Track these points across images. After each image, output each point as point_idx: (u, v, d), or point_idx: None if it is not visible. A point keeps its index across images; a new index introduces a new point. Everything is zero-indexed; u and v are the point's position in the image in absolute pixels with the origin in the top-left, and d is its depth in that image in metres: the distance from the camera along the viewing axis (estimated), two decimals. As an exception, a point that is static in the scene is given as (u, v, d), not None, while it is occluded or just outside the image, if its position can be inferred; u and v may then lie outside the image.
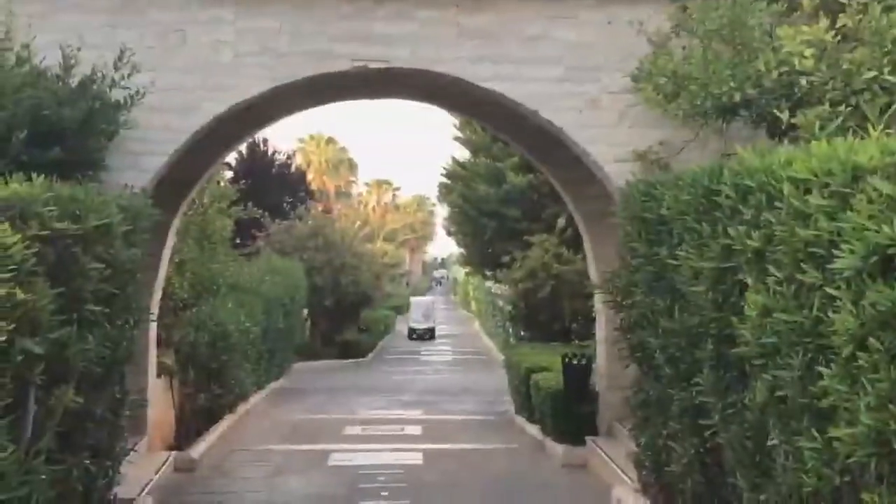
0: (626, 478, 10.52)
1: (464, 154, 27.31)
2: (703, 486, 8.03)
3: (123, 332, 8.30)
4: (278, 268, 26.10)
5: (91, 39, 9.48)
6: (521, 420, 16.90)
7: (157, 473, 11.42)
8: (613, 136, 10.06)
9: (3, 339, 5.79)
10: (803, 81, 7.21)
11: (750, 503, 6.81)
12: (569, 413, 13.07)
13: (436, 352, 40.99)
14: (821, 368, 5.30)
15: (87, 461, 7.91)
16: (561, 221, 20.42)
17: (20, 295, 6.01)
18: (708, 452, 7.87)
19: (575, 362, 13.26)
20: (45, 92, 8.29)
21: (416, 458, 13.68)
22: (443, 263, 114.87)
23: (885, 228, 4.64)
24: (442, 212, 52.30)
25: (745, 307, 6.46)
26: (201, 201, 19.09)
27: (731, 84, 7.65)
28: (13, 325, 5.96)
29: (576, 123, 10.07)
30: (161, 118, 9.75)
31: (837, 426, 5.18)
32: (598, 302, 13.12)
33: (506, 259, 22.35)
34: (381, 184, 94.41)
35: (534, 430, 15.29)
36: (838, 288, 5.10)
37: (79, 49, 9.08)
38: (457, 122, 26.21)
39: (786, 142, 7.71)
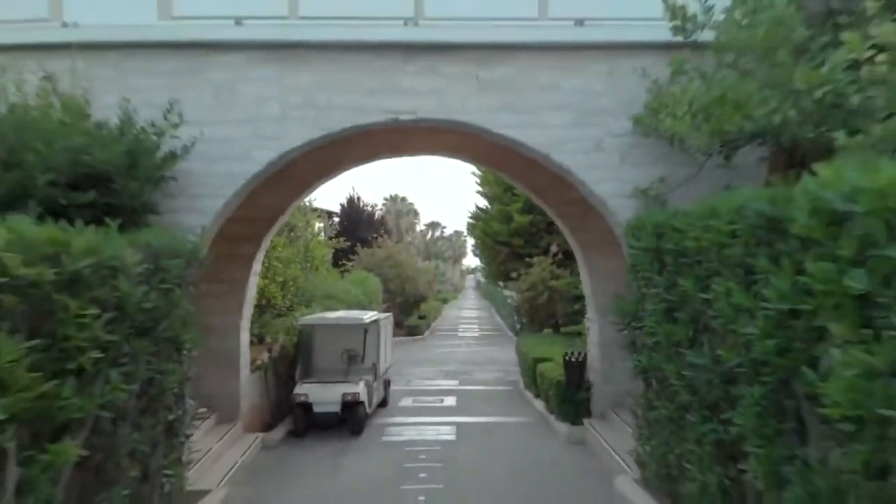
0: (619, 459, 7.81)
1: (482, 202, 24.42)
2: (724, 513, 4.76)
3: (161, 365, 5.19)
4: (360, 280, 23.45)
5: (156, 98, 6.45)
6: (529, 395, 13.59)
7: (242, 456, 8.66)
8: (616, 174, 6.77)
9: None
10: (854, 99, 3.88)
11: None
12: (569, 399, 10.10)
13: (468, 329, 37.48)
14: None
15: (125, 492, 4.88)
16: (553, 248, 17.80)
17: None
18: (734, 485, 4.66)
19: (573, 360, 10.14)
20: (86, 137, 5.20)
21: (450, 435, 10.47)
22: (473, 271, 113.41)
23: None
24: (470, 240, 50.00)
25: (823, 360, 3.25)
26: (306, 238, 18.51)
27: (772, 105, 4.35)
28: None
29: (583, 164, 6.82)
30: (217, 166, 6.68)
31: None
32: (591, 311, 10.06)
33: (514, 275, 19.98)
34: (435, 224, 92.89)
35: (539, 405, 12.15)
36: None
37: (130, 104, 6.10)
38: (478, 178, 23.34)
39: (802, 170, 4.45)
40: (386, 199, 71.90)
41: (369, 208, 40.30)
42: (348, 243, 26.10)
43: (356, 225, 36.41)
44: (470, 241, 56.12)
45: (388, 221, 48.99)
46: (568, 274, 16.46)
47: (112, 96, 6.33)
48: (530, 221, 18.71)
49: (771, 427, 3.87)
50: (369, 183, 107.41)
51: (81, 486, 4.47)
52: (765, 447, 3.93)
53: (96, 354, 4.08)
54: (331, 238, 23.82)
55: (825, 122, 4.15)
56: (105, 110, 6.19)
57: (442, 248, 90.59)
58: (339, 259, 26.73)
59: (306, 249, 18.34)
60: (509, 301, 30.86)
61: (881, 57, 3.61)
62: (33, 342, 3.57)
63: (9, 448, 3.56)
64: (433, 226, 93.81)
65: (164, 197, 6.25)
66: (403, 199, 77.40)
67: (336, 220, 35.65)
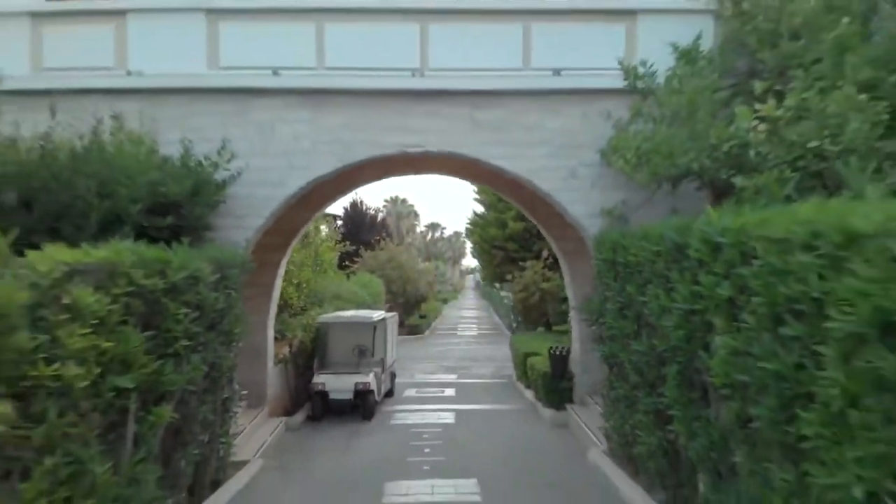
0: (592, 436, 9.05)
1: (479, 209, 25.57)
2: (665, 468, 6.12)
3: (218, 354, 6.51)
4: (366, 282, 24.76)
5: (208, 134, 7.80)
6: (520, 386, 14.92)
7: (270, 435, 9.97)
8: (588, 197, 8.13)
9: (87, 382, 4.12)
10: (751, 153, 5.22)
11: (712, 498, 4.95)
12: (554, 388, 11.40)
13: (467, 328, 38.77)
14: (801, 413, 3.44)
15: (196, 452, 6.20)
16: (544, 253, 19.00)
17: (105, 343, 4.28)
18: (669, 444, 5.98)
19: (557, 353, 11.42)
20: (161, 172, 6.54)
21: (450, 419, 11.81)
22: (473, 271, 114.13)
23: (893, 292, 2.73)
24: (468, 243, 50.84)
25: (712, 345, 4.58)
26: (316, 243, 19.31)
27: (690, 155, 5.70)
28: (101, 368, 4.29)
29: (560, 188, 8.19)
30: (258, 190, 8.03)
31: (817, 468, 3.34)
32: (573, 313, 11.39)
33: (508, 277, 21.05)
34: (435, 225, 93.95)
35: (529, 394, 13.46)
36: (825, 344, 3.21)
37: (191, 142, 7.44)
38: (476, 186, 24.61)
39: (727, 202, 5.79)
40: (386, 200, 72.44)
41: (371, 211, 41.33)
42: (354, 247, 27.18)
43: (359, 228, 37.31)
44: (469, 243, 57.25)
45: (389, 223, 50.12)
46: (558, 277, 17.52)
47: (173, 133, 7.68)
48: (524, 228, 19.95)
49: (685, 396, 5.21)
50: (370, 185, 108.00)
51: (165, 445, 5.81)
52: (682, 411, 5.26)
53: (185, 342, 5.43)
54: (337, 242, 24.91)
55: (732, 168, 5.47)
56: (168, 146, 7.53)
57: (442, 249, 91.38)
58: (343, 261, 27.82)
59: (316, 253, 19.52)
60: (505, 301, 31.98)
61: (761, 126, 4.93)
62: (147, 333, 4.92)
63: (131, 409, 4.90)
64: (433, 227, 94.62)
65: (216, 217, 7.58)
66: (404, 200, 77.81)
67: (339, 223, 36.59)
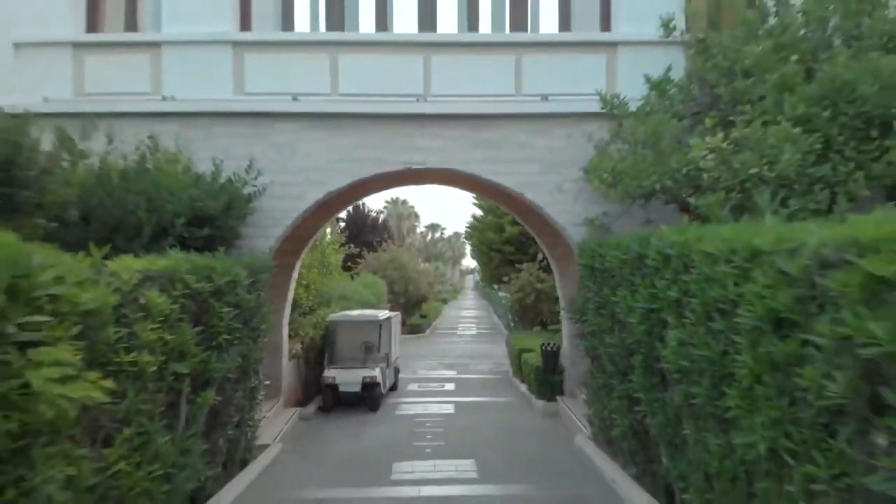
0: (579, 423, 9.93)
1: (478, 212, 26.49)
2: (635, 446, 7.05)
3: (249, 347, 7.45)
4: (369, 282, 25.65)
5: (235, 153, 8.75)
6: (516, 380, 15.86)
7: (286, 423, 10.89)
8: (572, 209, 9.09)
9: (155, 368, 5.05)
10: (704, 176, 6.16)
11: (669, 466, 5.88)
12: (546, 381, 12.34)
13: (467, 328, 39.72)
14: (726, 389, 4.37)
15: (231, 431, 7.13)
16: (540, 255, 19.74)
17: (167, 336, 5.21)
18: (638, 424, 6.90)
19: (549, 349, 12.36)
20: (199, 190, 7.48)
21: (450, 409, 12.76)
22: (472, 272, 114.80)
23: (780, 297, 3.66)
24: (468, 244, 51.59)
25: (666, 338, 5.51)
26: (322, 247, 20.07)
27: (654, 178, 6.64)
28: (164, 357, 5.22)
29: (548, 201, 9.14)
30: (280, 203, 8.99)
31: (737, 433, 4.27)
32: (563, 311, 12.32)
33: (505, 278, 21.78)
34: (435, 226, 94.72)
35: (523, 387, 14.40)
36: (739, 335, 4.13)
37: (222, 161, 8.38)
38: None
39: (687, 217, 6.74)
40: (387, 202, 72.83)
41: (373, 213, 42.11)
42: (357, 249, 28.01)
43: (361, 229, 37.88)
44: (468, 244, 57.97)
45: (390, 225, 50.96)
46: (551, 279, 18.48)
47: (203, 152, 8.62)
48: (520, 231, 20.81)
49: (648, 381, 6.14)
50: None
51: (207, 424, 6.73)
52: (646, 394, 6.19)
53: (226, 336, 6.36)
54: (341, 245, 25.80)
55: (690, 189, 6.41)
56: (199, 163, 8.47)
57: (442, 250, 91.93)
58: (347, 262, 28.64)
59: (323, 256, 20.41)
60: (504, 301, 32.81)
61: (710, 156, 5.88)
62: (197, 328, 5.84)
63: (184, 392, 5.83)
64: (433, 227, 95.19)
65: (243, 227, 8.51)
66: (404, 202, 78.24)
67: (342, 225, 37.35)
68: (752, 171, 5.71)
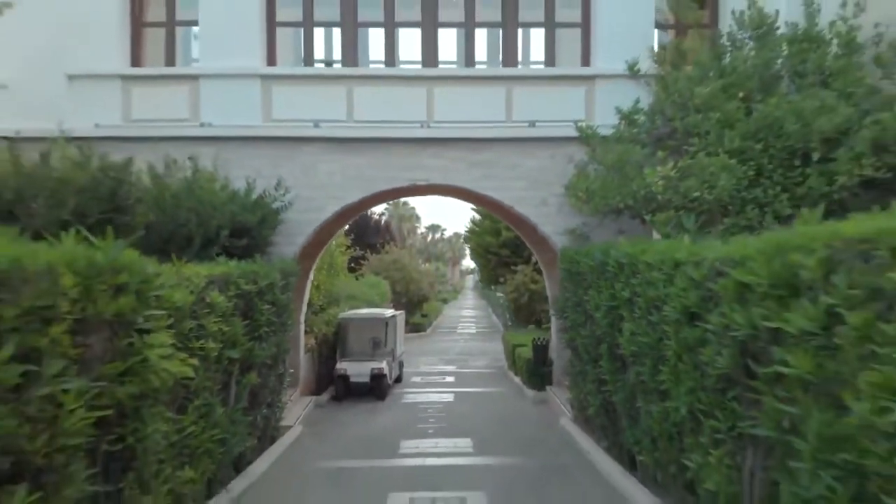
0: (563, 408, 11.12)
1: (476, 217, 27.68)
2: (606, 422, 8.31)
3: (280, 338, 8.75)
4: (373, 283, 26.79)
5: (264, 172, 10.07)
6: (510, 374, 17.17)
7: (304, 409, 12.11)
8: (555, 220, 10.41)
9: (216, 353, 6.33)
10: (658, 197, 7.49)
11: (629, 435, 7.16)
12: (536, 372, 13.57)
13: (467, 327, 41.02)
14: (661, 367, 5.65)
15: (265, 410, 8.38)
16: (533, 258, 20.79)
17: (224, 328, 6.50)
18: (607, 403, 8.17)
19: (539, 343, 13.59)
20: (237, 206, 8.79)
21: (450, 398, 14.06)
22: (472, 272, 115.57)
23: (690, 296, 4.96)
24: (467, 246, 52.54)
25: (623, 329, 6.80)
26: (330, 249, 21.19)
27: (619, 197, 7.99)
28: (222, 344, 6.50)
29: (534, 214, 10.48)
30: (304, 215, 10.32)
31: (669, 401, 5.53)
32: (552, 310, 13.60)
33: (502, 279, 22.87)
34: (435, 227, 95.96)
35: (517, 380, 15.69)
36: (668, 325, 5.42)
37: (255, 179, 9.69)
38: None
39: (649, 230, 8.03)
40: (388, 204, 75.45)
41: (376, 216, 43.13)
42: (361, 252, 29.09)
43: (364, 232, 38.66)
44: (467, 246, 59.00)
45: (391, 227, 52.11)
46: (543, 280, 19.91)
47: (236, 172, 9.94)
48: (515, 236, 22.06)
49: (612, 365, 7.44)
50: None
51: (248, 402, 8.03)
52: (611, 376, 7.49)
53: (266, 329, 7.67)
54: (347, 248, 26.98)
55: (648, 207, 7.74)
56: (234, 181, 9.78)
57: (442, 250, 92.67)
58: (351, 263, 29.73)
59: (331, 258, 21.65)
60: (501, 301, 33.98)
61: (660, 182, 7.22)
62: (245, 322, 7.14)
63: (234, 373, 7.14)
64: (433, 228, 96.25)
65: (274, 236, 9.83)
66: (405, 203, 79.42)
67: (346, 227, 38.27)
68: (695, 194, 7.02)
